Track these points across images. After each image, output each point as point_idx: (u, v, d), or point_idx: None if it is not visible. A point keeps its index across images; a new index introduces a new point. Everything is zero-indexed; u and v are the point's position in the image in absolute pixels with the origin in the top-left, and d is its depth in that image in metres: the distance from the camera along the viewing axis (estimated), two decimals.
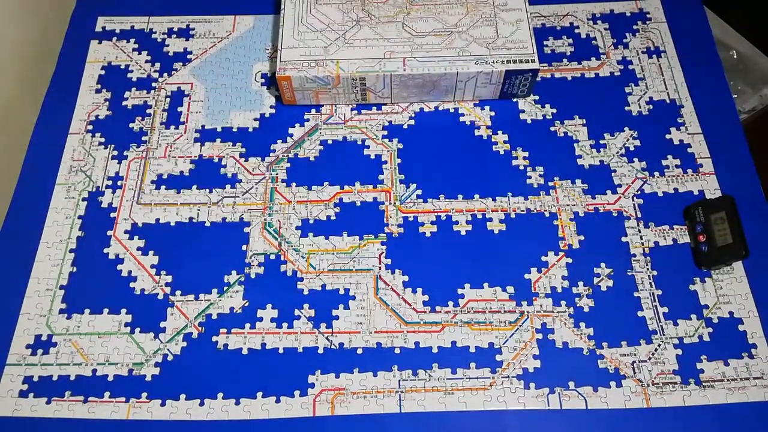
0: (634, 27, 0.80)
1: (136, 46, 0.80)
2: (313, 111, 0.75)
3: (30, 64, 0.82)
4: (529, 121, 0.74)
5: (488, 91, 0.73)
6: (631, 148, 0.72)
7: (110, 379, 0.61)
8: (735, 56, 1.05)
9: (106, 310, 0.64)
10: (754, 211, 0.67)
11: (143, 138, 0.74)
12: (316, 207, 0.69)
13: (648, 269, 0.65)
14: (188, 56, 0.80)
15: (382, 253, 0.66)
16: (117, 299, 0.64)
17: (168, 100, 0.76)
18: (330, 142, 0.73)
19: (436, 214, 0.69)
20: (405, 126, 0.74)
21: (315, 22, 0.73)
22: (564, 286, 0.64)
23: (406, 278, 0.65)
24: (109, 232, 0.68)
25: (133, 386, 0.60)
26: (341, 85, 0.71)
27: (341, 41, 0.72)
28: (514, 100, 0.75)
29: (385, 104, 0.75)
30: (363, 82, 0.70)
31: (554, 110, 0.75)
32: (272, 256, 0.66)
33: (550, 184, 0.70)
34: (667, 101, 0.75)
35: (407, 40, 0.72)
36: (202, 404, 0.59)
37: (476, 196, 0.69)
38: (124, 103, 0.76)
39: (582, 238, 0.67)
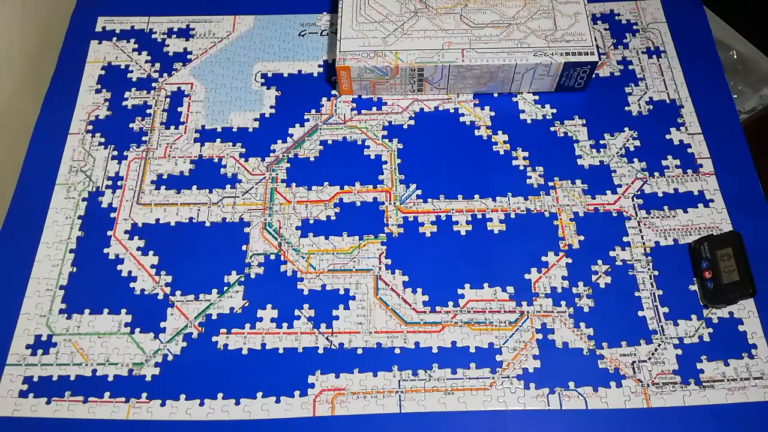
0: (634, 27, 0.80)
1: (136, 46, 0.80)
2: (313, 111, 0.75)
3: (30, 64, 0.82)
4: (529, 121, 0.74)
5: (545, 83, 0.74)
6: (631, 148, 0.72)
7: (110, 379, 0.61)
8: (735, 56, 1.05)
9: (106, 310, 0.64)
10: (754, 211, 0.68)
11: (143, 138, 0.74)
12: (316, 207, 0.69)
13: (649, 269, 0.65)
14: (188, 56, 0.80)
15: (382, 253, 0.66)
16: (117, 299, 0.64)
17: (168, 100, 0.76)
18: (330, 142, 0.73)
19: (436, 214, 0.69)
20: (405, 126, 0.74)
21: (373, 13, 0.74)
22: (564, 286, 0.64)
23: (406, 278, 0.65)
24: (109, 232, 0.68)
25: (133, 386, 0.60)
26: (399, 76, 0.72)
27: (399, 32, 0.72)
28: (572, 91, 0.75)
29: (441, 96, 0.75)
30: (421, 73, 0.71)
31: (554, 110, 0.75)
32: (272, 256, 0.66)
33: (550, 184, 0.70)
34: (667, 101, 0.75)
35: (465, 32, 0.72)
36: (202, 404, 0.59)
37: (476, 196, 0.69)
38: (124, 103, 0.76)
39: (582, 238, 0.67)
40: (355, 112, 0.75)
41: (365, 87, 0.74)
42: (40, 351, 0.62)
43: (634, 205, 0.69)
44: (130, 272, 0.66)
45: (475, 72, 0.71)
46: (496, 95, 0.76)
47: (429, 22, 0.73)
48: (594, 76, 0.76)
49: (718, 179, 0.70)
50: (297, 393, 0.60)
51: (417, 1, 0.75)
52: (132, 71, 0.78)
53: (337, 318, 0.63)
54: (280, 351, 0.62)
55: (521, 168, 0.71)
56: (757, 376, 0.60)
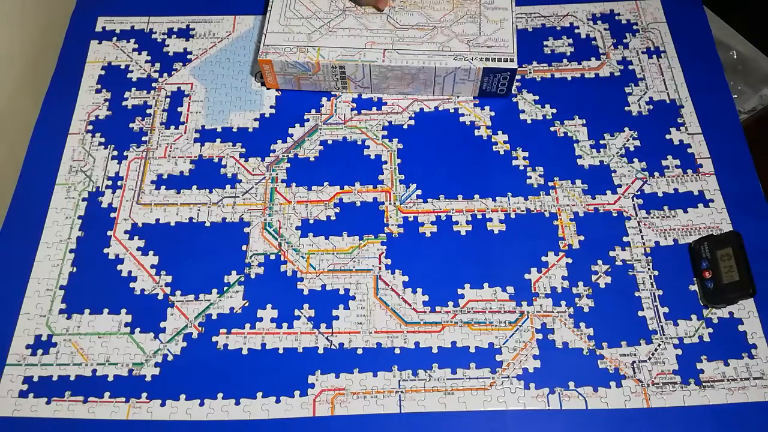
0: (634, 27, 0.80)
1: (136, 46, 0.80)
2: (313, 111, 0.75)
3: (30, 64, 0.82)
4: (529, 121, 0.74)
5: (467, 87, 0.74)
6: (631, 148, 0.72)
7: (110, 379, 0.61)
8: (735, 56, 1.05)
9: (106, 310, 0.64)
10: (754, 211, 0.68)
11: (143, 138, 0.74)
12: (316, 207, 0.69)
13: (649, 269, 0.65)
14: (188, 56, 0.80)
15: (382, 253, 0.66)
16: (117, 299, 0.64)
17: (168, 100, 0.76)
18: (330, 142, 0.73)
19: (436, 214, 0.69)
20: (405, 126, 0.74)
21: (302, 9, 0.74)
22: (564, 286, 0.64)
23: (406, 278, 0.65)
24: (109, 232, 0.68)
25: (133, 386, 0.60)
26: (321, 72, 0.72)
27: (325, 29, 0.72)
28: (495, 98, 0.75)
29: (366, 95, 0.76)
30: (343, 71, 0.71)
31: (554, 110, 0.75)
32: (272, 256, 0.66)
33: (550, 184, 0.70)
34: (667, 101, 0.75)
35: (390, 32, 0.72)
36: (202, 404, 0.59)
37: (476, 196, 0.69)
38: (124, 103, 0.76)
39: (582, 238, 0.67)
40: (355, 112, 0.75)
41: (289, 81, 0.74)
42: (40, 351, 0.62)
43: (634, 205, 0.69)
44: (130, 272, 0.66)
45: (396, 73, 0.71)
46: (425, 97, 0.75)
47: (356, 21, 0.73)
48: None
49: (718, 179, 0.70)
50: (297, 393, 0.60)
51: None
52: (132, 71, 0.78)
53: (337, 318, 0.63)
54: (280, 351, 0.62)
55: (521, 168, 0.71)
56: (757, 376, 0.60)
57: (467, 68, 0.70)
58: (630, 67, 0.77)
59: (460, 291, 0.64)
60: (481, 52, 0.71)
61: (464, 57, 0.70)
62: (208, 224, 0.68)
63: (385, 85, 0.74)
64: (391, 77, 0.72)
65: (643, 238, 0.67)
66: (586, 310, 0.63)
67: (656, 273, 0.65)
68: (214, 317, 0.64)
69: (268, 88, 0.76)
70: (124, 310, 0.64)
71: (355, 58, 0.70)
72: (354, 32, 0.72)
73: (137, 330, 0.63)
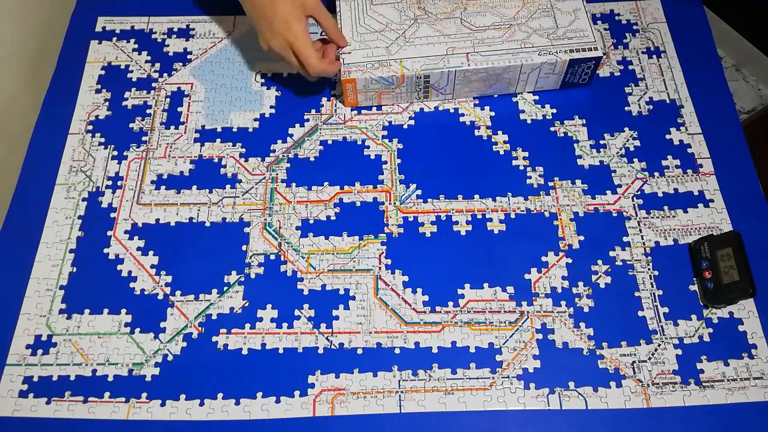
0: (634, 27, 0.80)
1: (136, 46, 0.80)
2: (313, 111, 0.75)
3: (30, 64, 0.82)
4: (529, 121, 0.74)
5: (550, 81, 0.74)
6: (631, 149, 0.72)
7: (110, 379, 0.61)
8: (735, 56, 1.05)
9: (106, 310, 0.64)
10: (754, 211, 0.68)
11: (143, 138, 0.74)
12: (316, 207, 0.69)
13: (649, 269, 0.65)
14: (188, 56, 0.79)
15: (382, 253, 0.66)
16: (117, 299, 0.64)
17: (168, 100, 0.76)
18: (330, 142, 0.73)
19: (436, 214, 0.69)
20: (405, 126, 0.74)
21: (373, 23, 0.73)
22: (564, 286, 0.64)
23: (406, 278, 0.65)
24: (109, 232, 0.68)
25: (133, 386, 0.60)
26: (405, 84, 0.71)
27: (402, 40, 0.72)
28: (576, 88, 0.75)
29: (445, 105, 0.75)
30: (427, 80, 0.71)
31: (554, 110, 0.75)
32: (272, 256, 0.66)
33: (550, 184, 0.70)
34: (667, 101, 0.75)
35: (468, 35, 0.72)
36: (202, 404, 0.59)
37: (476, 196, 0.69)
38: (124, 103, 0.76)
39: (582, 238, 0.67)
40: (355, 112, 0.75)
41: (371, 98, 0.74)
42: (40, 351, 0.62)
43: (634, 205, 0.69)
44: (130, 272, 0.66)
45: (481, 75, 0.71)
46: (496, 95, 0.76)
47: (430, 28, 0.73)
48: (594, 75, 0.76)
49: (718, 179, 0.70)
50: (297, 393, 0.60)
51: (416, 7, 0.74)
52: (132, 71, 0.78)
53: (337, 318, 0.63)
54: (280, 351, 0.62)
55: (521, 168, 0.71)
56: (757, 376, 0.60)
57: (553, 62, 0.70)
58: (630, 67, 0.77)
59: (460, 291, 0.64)
60: (563, 44, 0.70)
61: (548, 51, 0.70)
62: (208, 224, 0.68)
63: (468, 89, 0.73)
64: (475, 80, 0.72)
65: (643, 238, 0.67)
66: (586, 310, 0.63)
67: (656, 273, 0.65)
68: (214, 317, 0.64)
69: (346, 106, 0.75)
70: (124, 310, 0.64)
71: (439, 65, 0.69)
72: (432, 40, 0.72)
73: (137, 330, 0.63)
